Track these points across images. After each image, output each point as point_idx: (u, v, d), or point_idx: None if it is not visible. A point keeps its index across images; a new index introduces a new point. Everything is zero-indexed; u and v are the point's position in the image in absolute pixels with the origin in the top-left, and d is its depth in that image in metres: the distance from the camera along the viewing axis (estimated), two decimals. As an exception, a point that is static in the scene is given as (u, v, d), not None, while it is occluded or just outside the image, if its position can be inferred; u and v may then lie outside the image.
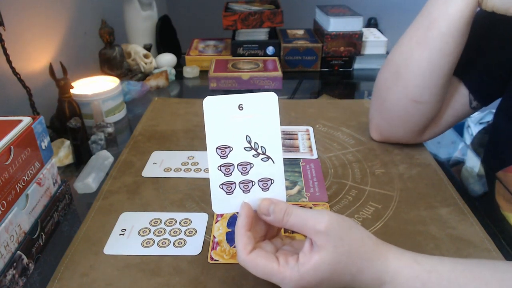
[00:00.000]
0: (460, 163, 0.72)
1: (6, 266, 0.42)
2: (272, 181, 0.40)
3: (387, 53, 1.15)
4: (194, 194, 0.58)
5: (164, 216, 0.53)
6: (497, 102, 0.62)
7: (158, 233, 0.50)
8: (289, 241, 0.41)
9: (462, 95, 0.61)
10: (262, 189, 0.40)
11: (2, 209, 0.42)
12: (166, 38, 1.15)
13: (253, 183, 0.40)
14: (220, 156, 0.39)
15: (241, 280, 0.44)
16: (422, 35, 0.55)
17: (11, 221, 0.43)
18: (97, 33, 0.94)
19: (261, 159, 0.40)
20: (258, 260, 0.37)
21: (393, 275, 0.37)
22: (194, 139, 0.72)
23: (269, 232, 0.41)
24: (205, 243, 0.49)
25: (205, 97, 0.39)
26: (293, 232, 0.47)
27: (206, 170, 0.63)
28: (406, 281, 0.36)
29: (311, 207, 0.55)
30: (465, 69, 0.59)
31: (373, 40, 1.11)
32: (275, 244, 0.41)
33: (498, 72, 0.57)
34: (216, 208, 0.41)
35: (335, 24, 1.06)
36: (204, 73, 1.05)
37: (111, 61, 0.95)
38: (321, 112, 0.81)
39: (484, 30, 0.58)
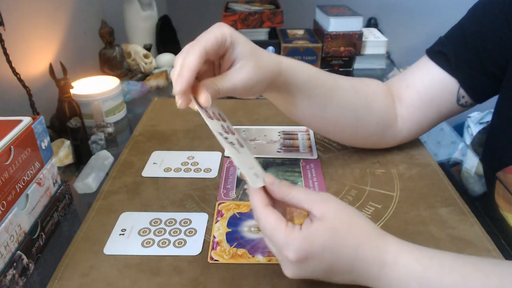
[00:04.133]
0: (460, 163, 0.72)
1: (6, 266, 0.42)
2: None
3: (387, 53, 1.15)
4: (194, 194, 0.58)
5: (164, 216, 0.53)
6: (495, 101, 0.62)
7: (158, 233, 0.51)
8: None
9: (449, 92, 0.60)
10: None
11: (2, 209, 0.42)
12: (166, 38, 1.15)
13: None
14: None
15: (241, 280, 0.44)
16: None
17: (11, 221, 0.43)
18: (97, 33, 0.94)
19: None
20: (271, 215, 0.38)
21: (394, 256, 0.37)
22: (194, 139, 0.72)
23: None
24: (205, 243, 0.49)
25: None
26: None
27: (206, 170, 0.63)
28: (408, 263, 0.37)
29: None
30: (458, 66, 0.59)
31: (373, 40, 1.11)
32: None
33: (491, 70, 0.57)
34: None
35: (335, 24, 1.06)
36: (204, 73, 1.04)
37: (111, 61, 0.95)
38: (321, 112, 0.81)
39: (476, 27, 0.58)
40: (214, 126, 0.42)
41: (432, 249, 0.38)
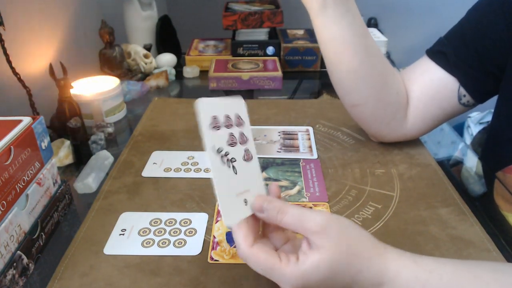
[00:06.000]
0: (460, 163, 0.72)
1: (6, 266, 0.42)
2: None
3: (387, 53, 1.15)
4: (194, 194, 0.58)
5: (164, 216, 0.53)
6: (495, 101, 0.62)
7: (158, 233, 0.51)
8: (292, 237, 0.41)
9: (450, 90, 0.60)
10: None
11: (2, 209, 0.42)
12: (166, 38, 1.15)
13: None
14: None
15: (241, 280, 0.44)
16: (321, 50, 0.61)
17: (11, 221, 0.43)
18: (97, 33, 0.94)
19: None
20: (260, 254, 0.36)
21: (392, 275, 0.37)
22: (194, 139, 0.72)
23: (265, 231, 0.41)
24: (205, 243, 0.49)
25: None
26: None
27: (206, 170, 0.63)
28: (405, 282, 0.36)
29: (311, 207, 0.55)
30: (458, 65, 0.59)
31: (373, 40, 1.11)
32: (273, 242, 0.40)
33: (491, 69, 0.57)
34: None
35: (335, 24, 1.06)
36: (204, 73, 1.04)
37: (111, 61, 0.95)
38: (321, 112, 0.81)
39: (475, 27, 0.58)
40: (211, 139, 0.37)
41: (432, 259, 0.38)
